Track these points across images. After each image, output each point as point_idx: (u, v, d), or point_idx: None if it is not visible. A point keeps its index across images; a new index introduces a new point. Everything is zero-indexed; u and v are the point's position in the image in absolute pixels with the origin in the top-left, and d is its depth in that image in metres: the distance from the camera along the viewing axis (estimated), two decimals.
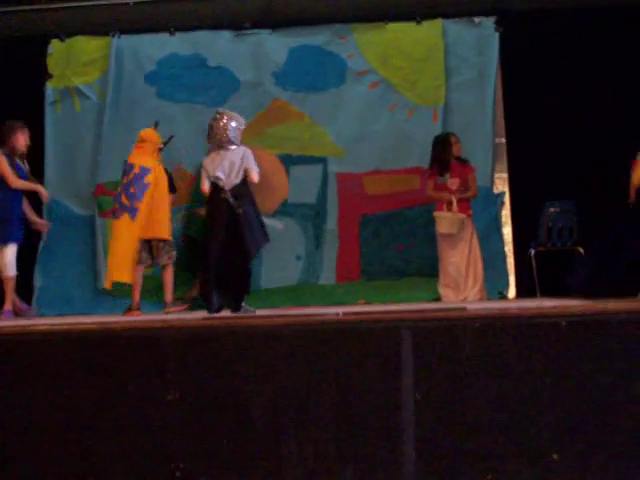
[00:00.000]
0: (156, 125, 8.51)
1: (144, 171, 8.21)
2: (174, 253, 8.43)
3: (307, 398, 5.06)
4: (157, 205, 8.25)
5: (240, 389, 5.12)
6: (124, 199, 8.19)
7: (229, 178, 7.22)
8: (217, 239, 7.19)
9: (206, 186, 7.36)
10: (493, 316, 5.25)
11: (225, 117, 7.31)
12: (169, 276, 8.41)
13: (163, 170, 8.44)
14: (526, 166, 9.36)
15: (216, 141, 7.32)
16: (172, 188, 8.76)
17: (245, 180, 7.23)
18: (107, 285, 8.45)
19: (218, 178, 7.23)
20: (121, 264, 8.22)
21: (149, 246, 8.34)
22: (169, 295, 8.37)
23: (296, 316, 6.04)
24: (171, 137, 8.66)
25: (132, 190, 8.15)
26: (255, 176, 7.21)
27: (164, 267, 8.40)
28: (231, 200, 7.15)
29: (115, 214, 8.32)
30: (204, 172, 7.36)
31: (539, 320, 5.07)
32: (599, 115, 9.39)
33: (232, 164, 7.22)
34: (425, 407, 4.97)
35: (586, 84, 9.44)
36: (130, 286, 8.28)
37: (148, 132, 8.44)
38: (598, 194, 9.23)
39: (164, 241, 8.34)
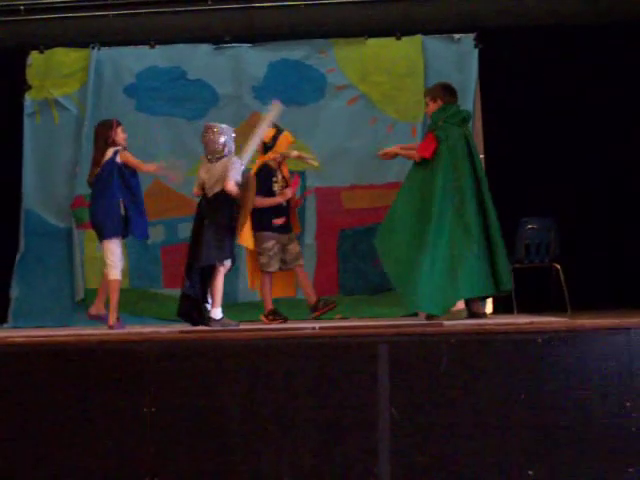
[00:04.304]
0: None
1: None
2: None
3: (284, 412, 5.06)
4: None
5: (216, 403, 5.11)
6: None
7: (209, 187, 7.34)
8: (190, 245, 7.38)
9: (195, 189, 7.60)
10: (470, 332, 5.27)
11: (212, 130, 7.41)
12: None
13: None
14: (504, 182, 9.38)
15: (207, 153, 7.43)
16: None
17: (225, 192, 7.23)
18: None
19: (203, 185, 7.40)
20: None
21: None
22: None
23: (273, 330, 6.04)
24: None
25: None
26: (228, 184, 7.20)
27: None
28: (204, 208, 7.31)
29: None
30: (196, 178, 7.58)
31: (515, 336, 5.09)
32: (579, 131, 9.44)
33: (214, 174, 7.29)
34: (401, 421, 4.97)
35: (565, 100, 9.48)
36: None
37: None
38: (577, 211, 9.27)
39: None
